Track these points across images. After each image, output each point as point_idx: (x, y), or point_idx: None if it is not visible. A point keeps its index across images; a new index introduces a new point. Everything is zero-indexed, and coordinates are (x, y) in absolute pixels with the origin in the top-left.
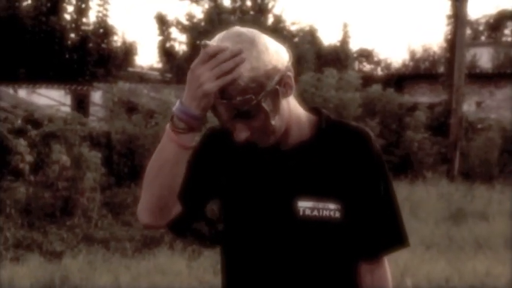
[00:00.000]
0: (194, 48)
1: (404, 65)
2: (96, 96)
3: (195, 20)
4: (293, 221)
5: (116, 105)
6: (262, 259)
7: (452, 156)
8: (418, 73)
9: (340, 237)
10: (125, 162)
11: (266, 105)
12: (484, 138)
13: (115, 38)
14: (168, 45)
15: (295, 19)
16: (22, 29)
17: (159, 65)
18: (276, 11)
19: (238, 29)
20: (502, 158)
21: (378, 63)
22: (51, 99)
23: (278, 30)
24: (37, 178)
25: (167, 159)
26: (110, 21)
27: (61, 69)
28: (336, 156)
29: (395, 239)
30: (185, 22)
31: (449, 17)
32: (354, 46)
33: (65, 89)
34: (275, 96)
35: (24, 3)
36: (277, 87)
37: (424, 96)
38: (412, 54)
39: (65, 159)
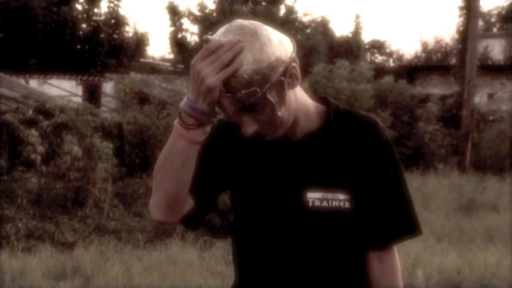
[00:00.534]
0: None
1: (416, 57)
2: (108, 87)
3: (206, 11)
4: (303, 213)
5: (127, 96)
6: (273, 251)
7: (464, 148)
8: (430, 65)
9: (350, 227)
10: (136, 153)
11: (271, 97)
12: (495, 130)
13: (127, 28)
14: (179, 36)
15: (307, 10)
16: (34, 20)
17: (170, 56)
18: (288, 1)
19: (240, 21)
20: None
21: (390, 54)
22: (62, 89)
23: (290, 21)
24: (49, 169)
25: (177, 155)
26: (122, 11)
27: (72, 59)
28: (344, 146)
29: (406, 227)
30: (197, 13)
31: (461, 8)
32: (366, 37)
33: (77, 79)
34: (280, 88)
35: None
36: (282, 78)
37: (435, 88)
38: (424, 46)
39: (76, 149)
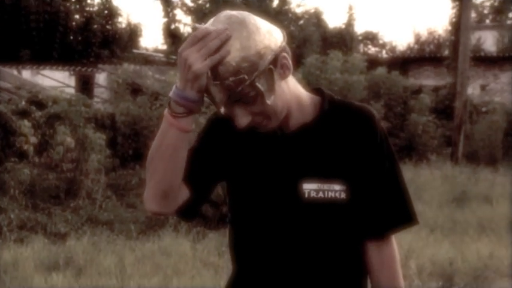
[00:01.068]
0: None
1: (409, 48)
2: (101, 77)
3: (199, 2)
4: (299, 204)
5: (120, 87)
6: (270, 242)
7: (457, 139)
8: (423, 56)
9: (347, 218)
10: (129, 144)
11: (260, 85)
12: (488, 121)
13: (120, 19)
14: (173, 26)
15: (300, 1)
16: (26, 10)
17: (163, 47)
18: None
19: (228, 12)
20: (506, 141)
21: (383, 46)
22: (55, 80)
23: (283, 13)
24: (41, 160)
25: (168, 144)
26: (115, 2)
27: (65, 50)
28: (339, 137)
29: (403, 216)
30: (190, 3)
31: (454, 0)
32: (359, 29)
33: (70, 70)
34: (269, 76)
35: None
36: (271, 67)
37: (428, 79)
38: (417, 37)
39: (69, 140)
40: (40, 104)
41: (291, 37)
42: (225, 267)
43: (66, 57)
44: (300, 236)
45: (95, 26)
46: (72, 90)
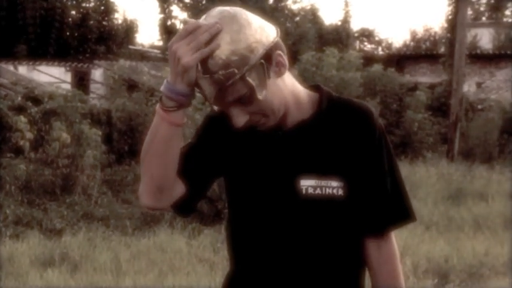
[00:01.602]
0: None
1: (405, 45)
2: (97, 73)
3: None
4: (296, 200)
5: (116, 83)
6: (268, 239)
7: (452, 137)
8: (419, 53)
9: (345, 215)
10: (125, 140)
11: (251, 79)
12: (484, 118)
13: (116, 15)
14: (169, 23)
15: None
16: (22, 6)
17: (160, 43)
18: None
19: (221, 7)
20: (502, 139)
21: (378, 43)
22: (51, 76)
23: (279, 9)
24: (37, 155)
25: (160, 138)
26: None
27: (61, 46)
28: (337, 133)
29: (401, 213)
30: (186, 0)
31: None
32: (355, 26)
33: (66, 66)
34: (261, 71)
35: None
36: (263, 61)
37: (424, 77)
38: (413, 35)
39: (65, 136)
40: (36, 100)
41: (286, 34)
42: (220, 263)
43: (62, 53)
44: (297, 232)
45: (91, 22)
46: (68, 86)
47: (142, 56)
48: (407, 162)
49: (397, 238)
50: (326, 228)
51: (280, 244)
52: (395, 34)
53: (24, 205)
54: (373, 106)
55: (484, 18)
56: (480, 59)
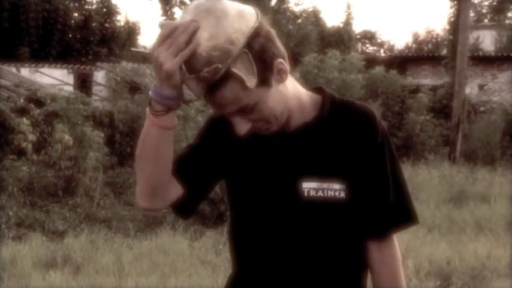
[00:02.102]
0: None
1: (407, 47)
2: (99, 75)
3: None
4: (298, 203)
5: (118, 85)
6: (270, 241)
7: (454, 139)
8: (421, 55)
9: (347, 217)
10: (127, 142)
11: (237, 70)
12: (486, 121)
13: (118, 17)
14: None
15: (298, 0)
16: (25, 8)
17: None
18: None
19: (197, 1)
20: (504, 141)
21: (381, 45)
22: (53, 78)
23: (281, 11)
24: (40, 157)
25: (151, 142)
26: (113, 0)
27: (64, 48)
28: (340, 136)
29: (403, 216)
30: (188, 2)
31: None
32: (357, 28)
33: (68, 68)
34: (246, 60)
35: None
36: (246, 50)
37: (426, 79)
38: (415, 37)
39: (67, 138)
40: (38, 102)
41: (289, 36)
42: (223, 265)
43: (64, 55)
44: (299, 234)
45: (94, 24)
46: (70, 88)
47: (144, 58)
48: (410, 164)
49: (399, 240)
50: (328, 231)
51: (282, 246)
52: (398, 36)
53: (26, 207)
54: (375, 108)
55: (486, 20)
56: (482, 61)
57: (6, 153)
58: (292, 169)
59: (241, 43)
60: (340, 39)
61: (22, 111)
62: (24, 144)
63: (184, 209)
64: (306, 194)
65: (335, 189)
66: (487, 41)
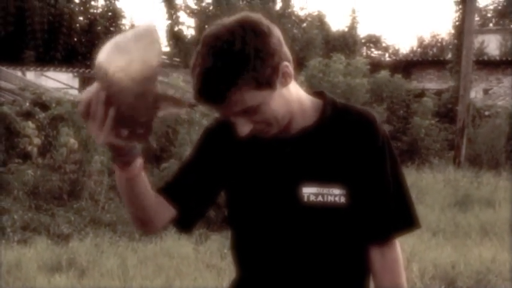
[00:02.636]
0: (202, 32)
1: (412, 51)
2: None
3: (203, 4)
4: (298, 208)
5: None
6: (270, 247)
7: (459, 143)
8: (426, 59)
9: (347, 222)
10: None
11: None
12: (491, 125)
13: (123, 21)
14: (176, 29)
15: (303, 4)
16: (30, 12)
17: (167, 49)
18: None
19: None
20: (509, 145)
21: (385, 49)
22: (59, 82)
23: (286, 15)
24: (45, 161)
25: (124, 188)
26: (119, 4)
27: (69, 52)
28: (340, 141)
29: (405, 220)
30: (193, 6)
31: (457, 3)
32: (362, 32)
33: (73, 72)
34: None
35: None
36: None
37: (431, 83)
38: (420, 41)
39: (72, 142)
40: (44, 106)
41: (293, 40)
42: (228, 269)
43: (69, 59)
44: (299, 240)
45: (99, 28)
46: (75, 92)
47: None
48: (414, 169)
49: (404, 244)
50: (328, 236)
51: (283, 251)
52: (402, 40)
53: (31, 210)
54: (379, 112)
55: (491, 25)
56: (487, 65)
57: (11, 156)
58: (292, 174)
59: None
60: (345, 43)
61: (27, 115)
62: (29, 148)
63: (182, 226)
64: (305, 199)
65: (335, 194)
66: (492, 45)
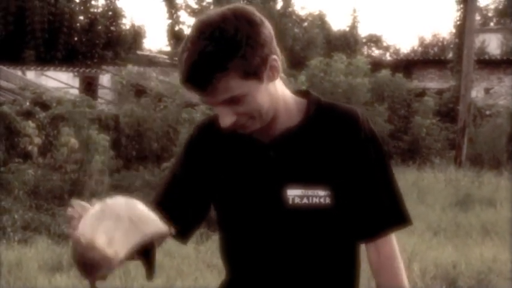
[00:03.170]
0: None
1: (413, 51)
2: (105, 79)
3: (204, 3)
4: (283, 211)
5: (124, 89)
6: (257, 249)
7: (460, 142)
8: (427, 59)
9: (334, 223)
10: (133, 145)
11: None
12: (492, 124)
13: (124, 20)
14: (177, 28)
15: (304, 4)
16: (31, 11)
17: (167, 49)
18: None
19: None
20: (510, 145)
21: (386, 48)
22: (59, 81)
23: (287, 15)
24: (45, 160)
25: None
26: (119, 3)
27: (69, 51)
28: (324, 141)
29: (395, 217)
30: (194, 5)
31: (458, 2)
32: (363, 31)
33: (74, 71)
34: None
35: None
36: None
37: (432, 82)
38: (421, 40)
39: (73, 141)
40: (44, 105)
41: (294, 39)
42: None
43: (70, 59)
44: (285, 242)
45: (99, 28)
46: (76, 92)
47: (150, 61)
48: (415, 168)
49: (405, 244)
50: (315, 237)
51: (270, 254)
52: (403, 40)
53: (32, 210)
54: (381, 112)
55: (492, 24)
56: (488, 64)
57: (12, 156)
58: (276, 177)
59: None
60: (346, 42)
61: (28, 115)
62: (30, 148)
63: (181, 238)
64: (290, 201)
65: (320, 195)
66: (493, 44)
